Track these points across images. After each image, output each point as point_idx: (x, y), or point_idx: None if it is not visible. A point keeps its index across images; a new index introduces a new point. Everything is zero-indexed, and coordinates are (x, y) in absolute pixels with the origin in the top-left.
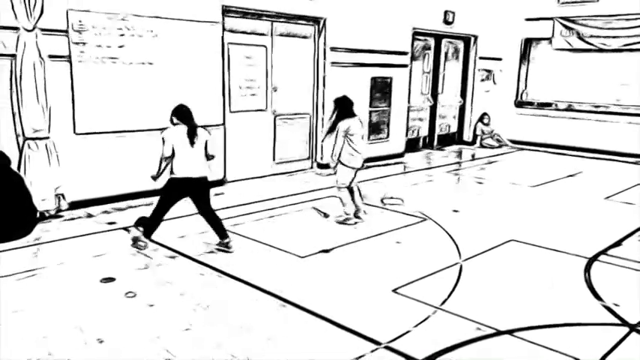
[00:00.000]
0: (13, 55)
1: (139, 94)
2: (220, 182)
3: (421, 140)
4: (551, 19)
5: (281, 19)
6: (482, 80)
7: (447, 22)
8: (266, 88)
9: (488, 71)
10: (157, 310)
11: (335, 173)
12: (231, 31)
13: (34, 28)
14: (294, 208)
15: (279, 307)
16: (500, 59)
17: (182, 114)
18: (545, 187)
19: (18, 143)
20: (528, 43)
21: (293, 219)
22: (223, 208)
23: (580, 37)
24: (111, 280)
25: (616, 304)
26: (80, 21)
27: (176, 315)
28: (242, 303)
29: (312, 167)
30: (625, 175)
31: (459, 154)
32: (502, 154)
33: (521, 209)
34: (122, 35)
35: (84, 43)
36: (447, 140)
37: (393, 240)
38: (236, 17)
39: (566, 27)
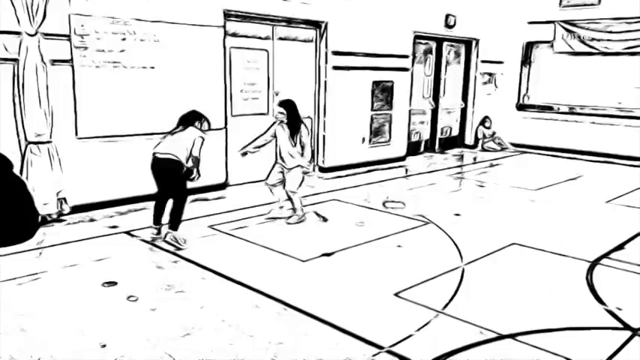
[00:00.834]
0: (16, 60)
1: (141, 99)
2: (222, 186)
3: (423, 144)
4: (552, 22)
5: (282, 23)
6: (484, 83)
7: (448, 26)
8: (267, 91)
9: (490, 74)
10: (158, 314)
11: (293, 176)
12: (233, 35)
13: (36, 33)
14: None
15: (281, 311)
16: (501, 62)
17: (186, 114)
18: (547, 190)
19: (20, 147)
20: (530, 47)
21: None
22: (225, 212)
23: (581, 41)
24: (113, 284)
25: (619, 308)
26: (82, 25)
27: (178, 319)
28: (244, 307)
29: (313, 171)
30: (626, 178)
31: (461, 157)
32: (504, 157)
33: (523, 213)
34: (124, 40)
35: (86, 48)
36: (449, 144)
37: (395, 243)
38: (238, 21)
39: (567, 30)
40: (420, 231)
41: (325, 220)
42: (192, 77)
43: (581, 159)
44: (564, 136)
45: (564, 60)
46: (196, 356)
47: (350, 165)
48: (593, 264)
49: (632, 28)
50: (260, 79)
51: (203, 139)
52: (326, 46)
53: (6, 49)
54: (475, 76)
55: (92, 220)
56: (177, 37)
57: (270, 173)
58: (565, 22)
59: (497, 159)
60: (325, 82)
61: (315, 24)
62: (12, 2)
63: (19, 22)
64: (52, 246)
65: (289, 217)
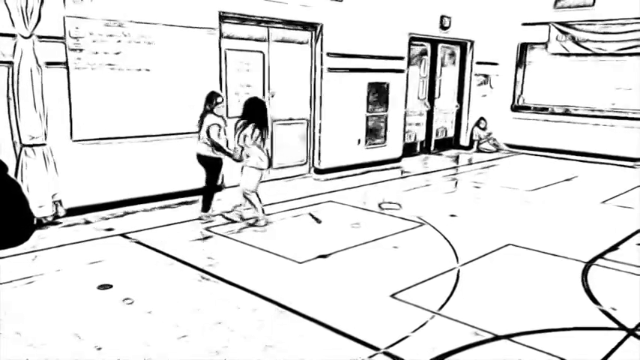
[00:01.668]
0: (10, 62)
1: (136, 101)
2: (218, 188)
3: (418, 145)
4: (547, 23)
5: (278, 25)
6: (479, 85)
7: (443, 27)
8: (263, 93)
9: (485, 76)
10: (154, 316)
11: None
12: (228, 37)
13: (31, 35)
14: (291, 213)
15: (277, 313)
16: (496, 64)
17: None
18: (542, 191)
19: (15, 150)
20: (524, 48)
21: (290, 224)
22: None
23: (576, 42)
24: (108, 286)
25: (613, 308)
26: (77, 28)
27: (174, 322)
28: (240, 309)
29: (309, 172)
30: (621, 179)
31: (456, 158)
32: (499, 158)
33: (519, 213)
34: (119, 42)
35: (81, 50)
36: (444, 145)
37: (391, 245)
38: (233, 23)
39: (561, 32)
40: (415, 232)
41: (319, 221)
42: (187, 79)
43: (576, 160)
44: (559, 137)
45: (559, 61)
46: (192, 359)
47: (346, 166)
48: (588, 264)
49: (626, 29)
50: (256, 80)
51: (219, 126)
52: (321, 48)
53: (0, 52)
54: (470, 78)
55: (87, 222)
56: (172, 39)
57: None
58: (559, 23)
59: (492, 160)
60: (321, 83)
61: (311, 26)
62: (6, 4)
63: (13, 24)
64: (47, 249)
65: (255, 221)
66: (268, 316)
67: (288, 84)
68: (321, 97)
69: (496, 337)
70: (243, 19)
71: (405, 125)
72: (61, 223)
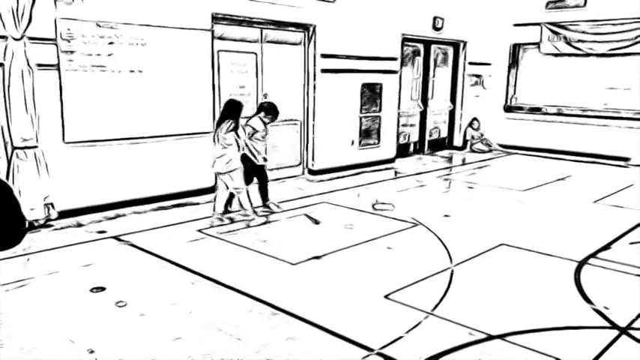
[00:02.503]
0: (1, 64)
1: (129, 103)
2: (211, 189)
3: (412, 145)
4: (538, 24)
5: (271, 26)
6: (472, 85)
7: (436, 28)
8: (256, 94)
9: (478, 76)
10: (148, 319)
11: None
12: (221, 38)
13: (22, 37)
14: (285, 214)
15: (270, 314)
16: (489, 64)
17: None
18: (535, 191)
19: (7, 152)
20: (517, 49)
21: (284, 226)
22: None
23: (567, 42)
24: (101, 289)
25: (606, 307)
26: (69, 29)
27: (167, 324)
28: (233, 311)
29: (303, 174)
30: (613, 178)
31: (450, 159)
32: (492, 158)
33: (512, 213)
34: (111, 43)
35: (72, 52)
36: (438, 145)
37: (385, 246)
38: (226, 24)
39: (553, 32)
40: (409, 233)
41: (317, 222)
42: (180, 81)
43: (568, 159)
44: (552, 137)
45: (551, 61)
46: None
47: (339, 167)
48: (581, 264)
49: (616, 29)
50: (249, 81)
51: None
52: (314, 49)
53: None
54: (463, 78)
55: (80, 225)
56: (165, 41)
57: None
58: (551, 24)
59: (485, 160)
60: (314, 84)
61: (304, 27)
62: None
63: (4, 26)
64: (39, 252)
65: (250, 220)
66: (262, 318)
67: (281, 85)
68: (314, 98)
69: (490, 337)
70: (236, 21)
71: (398, 126)
72: (53, 225)
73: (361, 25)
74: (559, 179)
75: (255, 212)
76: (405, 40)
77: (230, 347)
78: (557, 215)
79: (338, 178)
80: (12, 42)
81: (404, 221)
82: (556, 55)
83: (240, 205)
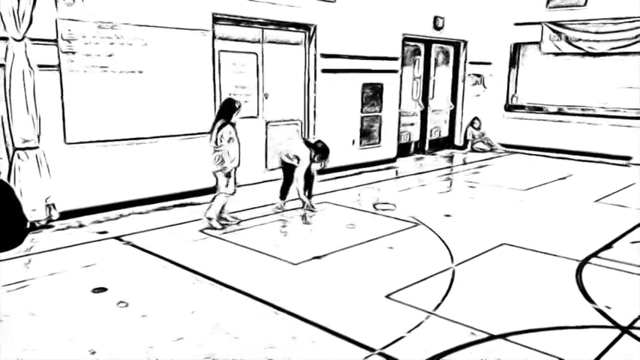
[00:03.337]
0: (2, 65)
1: (130, 103)
2: (212, 190)
3: (413, 145)
4: (539, 23)
5: (271, 27)
6: (473, 85)
7: (436, 28)
8: (257, 95)
9: (479, 76)
10: (149, 319)
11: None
12: (222, 38)
13: (23, 38)
14: (286, 215)
15: (272, 314)
16: (490, 64)
17: None
18: (536, 190)
19: (8, 153)
20: (517, 48)
21: (285, 226)
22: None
23: (568, 41)
24: (103, 290)
25: (608, 307)
26: (69, 30)
27: (169, 324)
28: (235, 311)
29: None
30: (615, 177)
31: (451, 158)
32: (493, 158)
33: (513, 213)
34: (112, 44)
35: (73, 53)
36: (439, 145)
37: (386, 245)
38: (226, 25)
39: (554, 31)
40: (410, 232)
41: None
42: (181, 81)
43: (570, 159)
44: (553, 137)
45: (552, 61)
46: None
47: (340, 167)
48: (583, 263)
49: (617, 28)
50: (249, 82)
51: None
52: (315, 49)
53: None
54: (464, 78)
55: (81, 225)
56: (165, 41)
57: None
58: (552, 23)
59: (486, 160)
60: (315, 84)
61: (304, 27)
62: None
63: (5, 27)
64: (40, 252)
65: (210, 223)
66: (264, 318)
67: (281, 85)
68: (315, 98)
69: (491, 337)
70: (236, 21)
71: (399, 125)
72: (54, 226)
73: (362, 25)
74: (560, 178)
75: (218, 221)
76: (406, 39)
77: (232, 347)
78: (559, 214)
79: (339, 177)
80: (13, 43)
81: (405, 221)
82: (557, 54)
83: (210, 205)
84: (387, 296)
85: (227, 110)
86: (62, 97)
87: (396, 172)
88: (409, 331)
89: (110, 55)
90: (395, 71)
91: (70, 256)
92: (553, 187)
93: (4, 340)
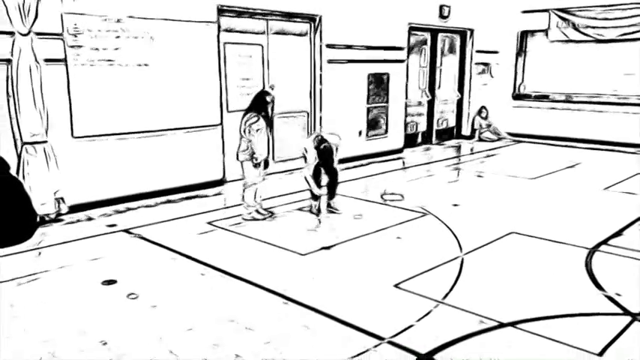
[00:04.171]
0: (9, 60)
1: (136, 96)
2: (220, 182)
3: (420, 135)
4: (546, 10)
5: (276, 17)
6: (480, 74)
7: (442, 17)
8: (263, 86)
9: (485, 64)
10: (159, 310)
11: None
12: (227, 30)
13: (29, 33)
14: (294, 205)
15: (281, 305)
16: (496, 52)
17: None
18: (545, 178)
19: (16, 148)
20: (524, 36)
21: (293, 217)
22: (223, 208)
23: (576, 28)
24: (112, 282)
25: (618, 294)
26: (75, 24)
27: (179, 315)
28: (244, 302)
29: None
30: (624, 165)
31: (458, 148)
32: (501, 147)
33: (521, 201)
34: (118, 37)
35: (79, 46)
36: (446, 134)
37: (394, 235)
38: (231, 17)
39: (561, 18)
40: (418, 222)
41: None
42: (186, 74)
43: (578, 147)
44: (561, 125)
45: (559, 48)
46: (198, 352)
47: (347, 158)
48: (592, 251)
49: (626, 14)
50: (255, 73)
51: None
52: (320, 40)
53: None
54: (470, 67)
55: (90, 219)
56: (171, 34)
57: None
58: (559, 10)
59: (494, 149)
60: (320, 75)
61: (310, 18)
62: (4, 2)
63: (11, 21)
64: (50, 246)
65: (249, 215)
66: (273, 309)
67: (287, 76)
68: (321, 89)
69: (501, 325)
70: (241, 12)
71: (405, 116)
72: (63, 220)
73: (367, 15)
74: (568, 167)
75: (257, 211)
76: (412, 29)
77: (242, 337)
78: (568, 203)
79: (346, 168)
80: (19, 37)
81: (413, 211)
82: (564, 41)
83: (242, 197)
84: (396, 285)
85: (258, 102)
86: (69, 91)
87: (403, 162)
88: (418, 320)
89: (116, 49)
90: (401, 61)
91: (80, 249)
92: (562, 175)
93: (17, 333)
